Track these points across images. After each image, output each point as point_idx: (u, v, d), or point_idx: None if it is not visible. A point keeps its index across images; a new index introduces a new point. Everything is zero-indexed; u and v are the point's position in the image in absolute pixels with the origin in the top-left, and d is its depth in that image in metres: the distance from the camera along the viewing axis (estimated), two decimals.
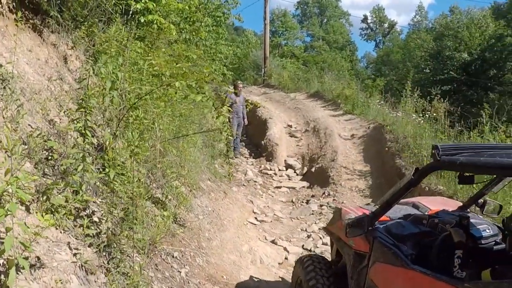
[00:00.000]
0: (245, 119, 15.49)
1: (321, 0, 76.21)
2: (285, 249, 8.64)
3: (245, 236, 8.43)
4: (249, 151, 16.89)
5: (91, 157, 5.01)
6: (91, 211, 4.88)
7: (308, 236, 9.37)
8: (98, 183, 5.19)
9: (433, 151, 3.83)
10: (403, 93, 15.04)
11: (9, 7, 6.27)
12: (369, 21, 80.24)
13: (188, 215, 7.16)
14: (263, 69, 30.73)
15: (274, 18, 63.25)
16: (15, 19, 5.64)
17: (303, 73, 28.36)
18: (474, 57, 28.54)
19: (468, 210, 5.38)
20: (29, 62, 6.05)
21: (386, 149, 12.57)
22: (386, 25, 79.83)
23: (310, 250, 8.76)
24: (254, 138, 17.52)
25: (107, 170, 5.01)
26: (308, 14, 76.55)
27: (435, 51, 32.07)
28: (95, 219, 4.85)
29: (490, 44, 28.62)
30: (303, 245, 8.97)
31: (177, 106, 8.17)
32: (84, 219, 4.47)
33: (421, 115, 13.02)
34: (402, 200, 4.82)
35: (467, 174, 4.24)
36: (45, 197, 4.17)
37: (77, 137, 4.95)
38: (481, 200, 5.29)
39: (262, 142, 16.37)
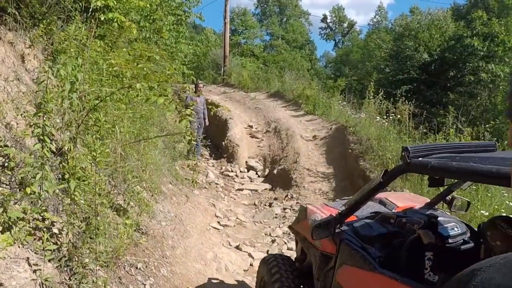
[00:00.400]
0: (206, 120, 15.24)
1: None
2: (249, 255, 8.47)
3: (209, 242, 8.24)
4: (209, 152, 16.69)
5: (50, 164, 4.76)
6: (50, 222, 4.62)
7: (273, 241, 9.24)
8: (58, 191, 4.94)
9: (403, 153, 3.69)
10: (365, 94, 15.04)
11: None
12: (328, 20, 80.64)
13: (150, 222, 6.93)
14: (222, 68, 30.56)
15: (234, 17, 62.95)
16: None
17: (263, 73, 28.25)
18: (434, 58, 28.81)
19: (436, 206, 5.30)
20: None
21: (350, 151, 12.48)
22: (345, 24, 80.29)
23: None
24: (215, 139, 17.26)
25: (67, 178, 4.74)
26: (268, 13, 76.49)
27: (395, 52, 32.30)
28: (55, 230, 4.59)
29: (450, 45, 28.95)
30: (267, 251, 8.80)
31: (138, 108, 7.95)
32: (44, 232, 4.21)
33: (385, 116, 12.99)
34: None
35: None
36: (1, 210, 3.91)
37: (35, 143, 4.67)
38: (449, 197, 5.23)
39: (223, 143, 16.15)
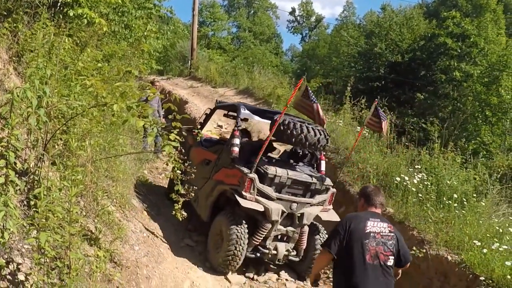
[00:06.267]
0: (162, 118, 14.74)
1: None
2: (227, 279, 7.91)
3: (184, 266, 7.69)
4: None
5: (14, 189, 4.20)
6: (15, 267, 4.04)
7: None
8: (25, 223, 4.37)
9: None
10: (336, 95, 14.65)
11: None
12: (296, 14, 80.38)
13: (123, 249, 6.35)
14: (190, 61, 30.00)
15: (203, 8, 62.22)
16: None
17: (231, 67, 27.71)
18: (405, 59, 28.63)
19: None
20: None
21: (326, 159, 11.97)
22: (313, 19, 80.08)
23: (252, 279, 8.18)
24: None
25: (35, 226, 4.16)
26: (236, 5, 75.90)
27: (364, 49, 32.07)
28: (21, 277, 4.01)
29: (422, 45, 28.78)
30: (245, 271, 8.35)
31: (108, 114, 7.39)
32: (5, 279, 3.65)
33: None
34: None
35: None
36: None
37: None
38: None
39: None
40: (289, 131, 7.79)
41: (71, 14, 9.32)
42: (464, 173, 9.95)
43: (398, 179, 9.48)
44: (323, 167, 8.80)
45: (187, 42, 34.01)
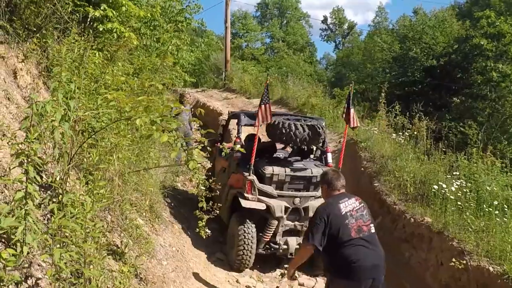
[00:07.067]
0: (193, 130, 15.08)
1: (281, 1, 75.85)
2: None
3: (213, 280, 7.50)
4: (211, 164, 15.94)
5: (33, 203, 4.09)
6: (34, 282, 3.92)
7: (282, 275, 8.50)
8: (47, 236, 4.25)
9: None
10: (371, 101, 14.36)
11: None
12: (328, 22, 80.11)
13: (150, 263, 6.18)
14: (224, 73, 30.09)
15: (235, 20, 62.64)
16: None
17: (265, 78, 27.55)
18: (440, 63, 28.05)
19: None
20: None
21: (362, 169, 11.65)
22: (345, 26, 79.73)
23: None
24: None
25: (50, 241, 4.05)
26: (268, 16, 76.08)
27: (398, 54, 31.63)
28: None
29: (456, 47, 28.17)
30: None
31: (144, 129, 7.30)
32: None
33: (401, 133, 12.14)
34: None
35: None
36: None
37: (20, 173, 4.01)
38: None
39: None
40: (278, 131, 8.42)
41: (101, 28, 9.38)
42: (504, 178, 9.49)
43: (435, 187, 9.13)
44: (329, 160, 9.23)
45: (221, 54, 34.10)
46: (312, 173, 8.52)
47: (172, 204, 9.62)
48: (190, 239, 8.54)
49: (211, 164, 9.99)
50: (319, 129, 8.66)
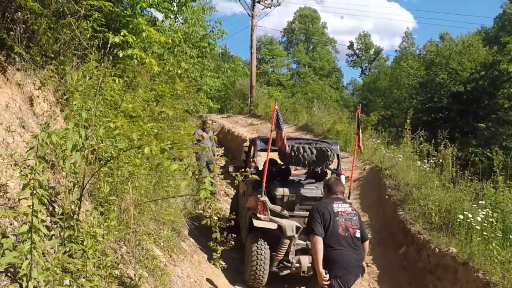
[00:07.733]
0: (215, 153, 14.92)
1: (307, 27, 76.03)
2: None
3: None
4: (234, 190, 15.78)
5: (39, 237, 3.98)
6: None
7: None
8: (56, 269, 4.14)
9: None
10: (398, 128, 14.13)
11: None
12: (355, 47, 79.99)
13: None
14: (249, 99, 30.05)
15: (261, 46, 62.86)
16: None
17: (291, 104, 27.51)
18: (467, 88, 27.71)
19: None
20: None
21: (386, 197, 11.43)
22: (372, 51, 79.53)
23: None
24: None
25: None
26: (294, 41, 76.21)
27: (424, 79, 31.39)
28: None
29: (484, 73, 27.81)
30: None
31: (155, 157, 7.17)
32: None
33: (426, 160, 11.88)
34: None
35: None
36: None
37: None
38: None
39: None
40: (288, 154, 8.68)
41: (121, 54, 9.34)
42: None
43: (461, 216, 8.86)
44: (343, 181, 8.99)
45: (247, 79, 34.10)
46: (322, 194, 8.42)
47: (193, 233, 9.50)
48: (210, 269, 8.32)
49: (234, 190, 10.42)
50: (327, 151, 8.95)
